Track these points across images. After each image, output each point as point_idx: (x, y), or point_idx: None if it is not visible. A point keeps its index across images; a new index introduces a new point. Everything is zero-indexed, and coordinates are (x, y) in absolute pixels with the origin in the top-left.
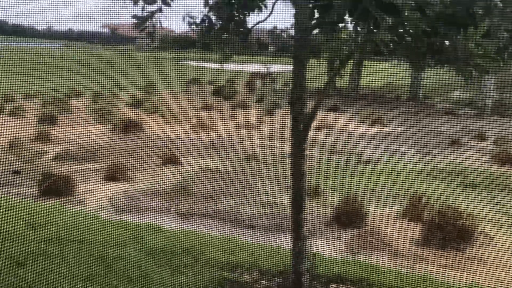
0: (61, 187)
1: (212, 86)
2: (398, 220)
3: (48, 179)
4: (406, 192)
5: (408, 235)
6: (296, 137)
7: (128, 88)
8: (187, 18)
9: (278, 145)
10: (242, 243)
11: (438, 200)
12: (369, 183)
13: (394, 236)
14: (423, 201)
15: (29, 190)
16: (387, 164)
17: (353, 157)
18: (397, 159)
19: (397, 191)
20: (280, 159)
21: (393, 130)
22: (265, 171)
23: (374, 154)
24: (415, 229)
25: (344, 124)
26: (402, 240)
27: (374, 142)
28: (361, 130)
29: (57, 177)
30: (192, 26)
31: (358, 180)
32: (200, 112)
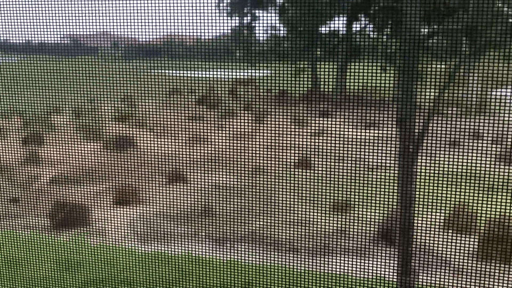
0: (75, 217)
1: (193, 95)
2: (445, 232)
3: (60, 208)
4: (437, 199)
5: (461, 248)
6: (404, 161)
7: (107, 101)
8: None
9: (283, 155)
10: (304, 272)
11: (478, 208)
12: (394, 192)
13: (446, 250)
14: (467, 209)
15: (37, 221)
16: (398, 170)
17: (360, 163)
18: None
19: (428, 199)
20: (291, 170)
21: (388, 133)
22: (279, 184)
23: (379, 159)
24: (466, 242)
25: (340, 129)
26: (458, 254)
27: (374, 146)
28: (356, 134)
29: (70, 207)
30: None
31: (381, 188)
32: (190, 123)
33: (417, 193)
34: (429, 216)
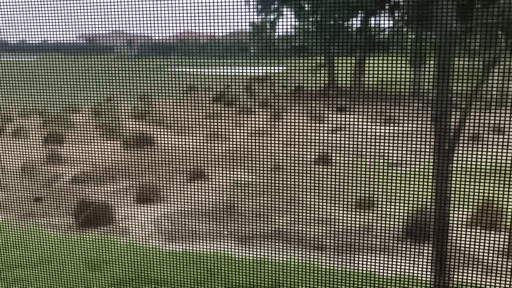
0: (99, 215)
1: (210, 92)
2: (471, 229)
3: (85, 207)
4: (461, 195)
5: (489, 246)
6: (440, 158)
7: (124, 99)
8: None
9: (301, 152)
10: (337, 271)
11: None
12: (416, 188)
13: (473, 248)
14: (493, 205)
15: (62, 220)
16: (420, 166)
17: (380, 160)
18: (424, 159)
19: (451, 195)
20: (311, 167)
21: (406, 128)
22: (301, 181)
23: (399, 155)
24: (494, 239)
25: (357, 124)
26: (486, 252)
27: (393, 141)
28: (374, 130)
29: (95, 205)
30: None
31: (403, 185)
32: (207, 121)
33: (452, 190)
34: (464, 214)
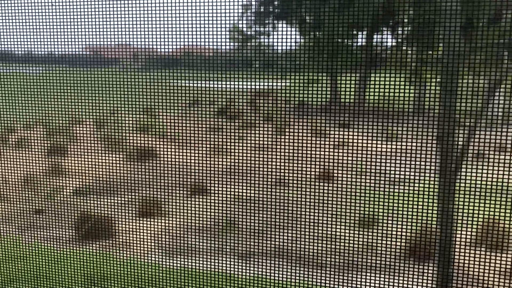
0: (100, 228)
1: (213, 106)
2: (475, 249)
3: (86, 220)
4: (465, 214)
5: (495, 267)
6: (445, 178)
7: (128, 112)
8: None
9: (305, 167)
10: None
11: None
12: (420, 207)
13: (478, 268)
14: (498, 224)
15: (62, 233)
16: (423, 184)
17: (382, 177)
18: (427, 177)
19: (456, 214)
20: (313, 183)
21: (410, 146)
22: (304, 197)
23: (402, 173)
24: (500, 259)
25: (362, 141)
26: (491, 273)
27: (396, 159)
28: (378, 147)
29: (96, 219)
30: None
31: (407, 203)
32: (210, 135)
33: (456, 209)
34: (467, 234)
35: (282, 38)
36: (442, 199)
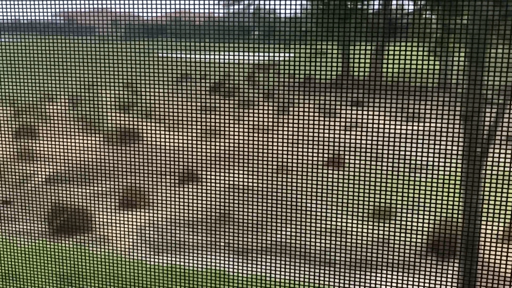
0: (76, 221)
1: (206, 81)
2: (502, 245)
3: (60, 212)
4: (493, 206)
5: None
6: (470, 163)
7: (107, 87)
8: None
9: (311, 151)
10: None
11: None
12: (442, 197)
13: (505, 266)
14: None
15: (33, 226)
16: (447, 171)
17: (401, 163)
18: (451, 163)
19: (483, 206)
20: (317, 170)
21: (433, 127)
22: (306, 185)
23: (423, 158)
24: None
25: (377, 121)
26: None
27: (416, 142)
28: (396, 128)
29: (71, 210)
30: None
31: (427, 193)
32: (202, 114)
33: (482, 200)
34: (496, 228)
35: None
36: (466, 188)
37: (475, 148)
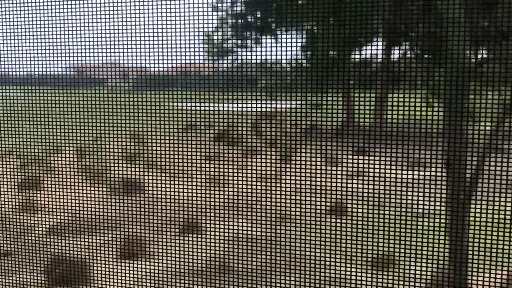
0: (74, 272)
1: (211, 131)
2: None
3: (58, 263)
4: (496, 255)
5: None
6: (454, 210)
7: (113, 138)
8: None
9: (314, 200)
10: None
11: None
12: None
13: None
14: None
15: (32, 278)
16: (448, 218)
17: (404, 210)
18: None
19: (484, 254)
20: (322, 219)
21: (436, 173)
22: (312, 235)
23: (427, 204)
24: None
25: (382, 169)
26: None
27: (421, 188)
28: (400, 175)
29: (69, 261)
30: None
31: (428, 240)
32: (206, 163)
33: (471, 247)
34: (485, 278)
35: (286, 50)
36: (450, 235)
37: (458, 193)
